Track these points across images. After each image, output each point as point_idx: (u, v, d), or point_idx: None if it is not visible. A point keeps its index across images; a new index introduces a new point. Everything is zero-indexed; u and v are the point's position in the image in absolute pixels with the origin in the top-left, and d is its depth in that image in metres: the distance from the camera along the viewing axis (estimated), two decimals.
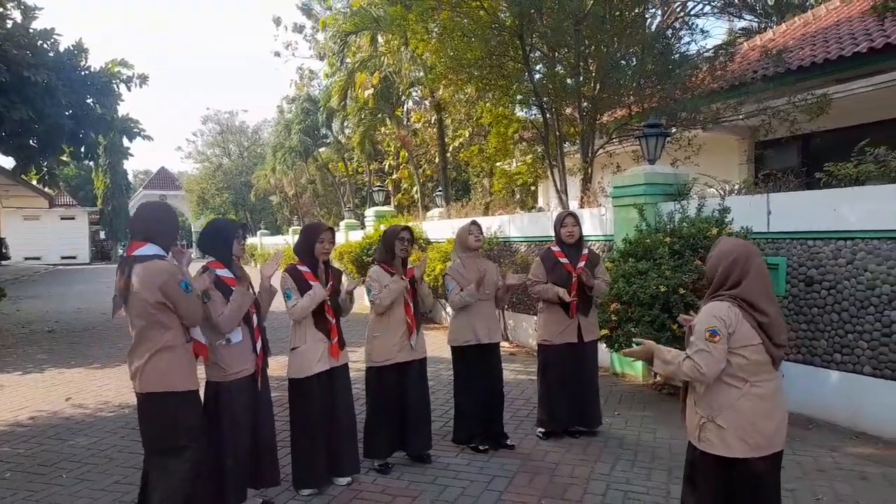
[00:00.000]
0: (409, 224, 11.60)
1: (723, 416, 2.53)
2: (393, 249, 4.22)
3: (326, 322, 3.87)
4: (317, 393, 3.82)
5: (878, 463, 4.25)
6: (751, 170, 9.82)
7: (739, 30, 19.29)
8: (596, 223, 7.39)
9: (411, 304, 4.24)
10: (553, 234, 5.00)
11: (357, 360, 5.00)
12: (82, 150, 12.08)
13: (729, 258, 2.57)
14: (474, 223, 4.63)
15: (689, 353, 2.57)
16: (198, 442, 3.10)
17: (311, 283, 3.83)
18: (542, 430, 4.88)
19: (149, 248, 3.01)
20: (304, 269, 3.86)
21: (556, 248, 4.86)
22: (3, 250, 29.83)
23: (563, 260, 4.76)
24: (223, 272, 3.39)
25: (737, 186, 6.31)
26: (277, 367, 5.16)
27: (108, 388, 6.65)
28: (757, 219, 5.45)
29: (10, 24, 10.01)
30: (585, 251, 4.86)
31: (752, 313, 2.50)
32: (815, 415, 5.11)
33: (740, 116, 8.79)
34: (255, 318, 3.51)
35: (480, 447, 4.53)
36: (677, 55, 8.99)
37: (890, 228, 4.62)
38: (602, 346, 6.01)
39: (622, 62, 8.90)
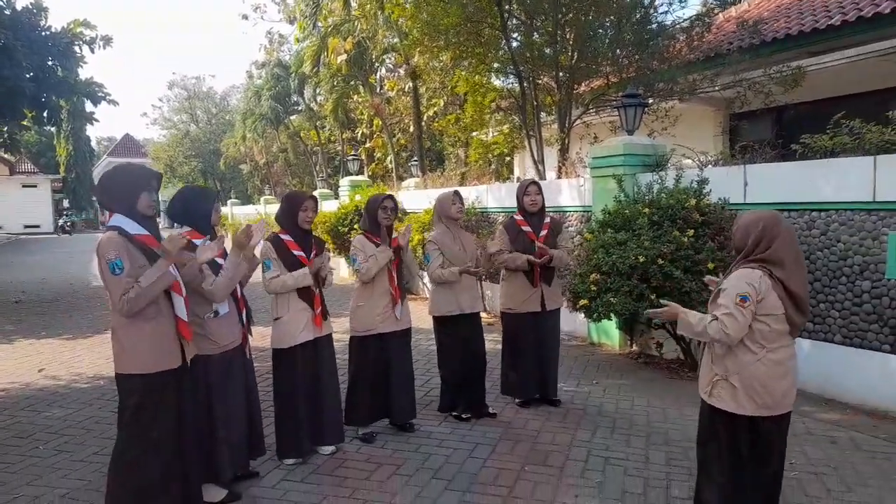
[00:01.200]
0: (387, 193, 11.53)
1: (737, 376, 2.66)
2: (377, 218, 4.17)
3: (310, 292, 3.83)
4: (300, 362, 3.80)
5: (845, 428, 4.41)
6: (725, 141, 9.92)
7: (714, 0, 19.30)
8: (574, 194, 7.41)
9: (395, 275, 4.22)
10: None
11: (339, 331, 4.97)
12: (45, 114, 11.68)
13: (758, 225, 2.66)
14: (456, 193, 4.60)
15: (717, 314, 2.66)
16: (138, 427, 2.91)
17: (295, 252, 3.78)
18: (512, 400, 4.94)
19: (113, 219, 2.90)
20: (286, 237, 3.81)
21: (518, 217, 4.87)
22: None
23: (526, 228, 4.77)
24: (204, 242, 3.31)
25: (713, 158, 6.37)
26: (258, 337, 5.11)
27: (80, 360, 6.53)
28: (734, 190, 5.52)
29: None
30: (548, 219, 4.87)
31: (781, 277, 2.59)
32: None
33: (716, 88, 8.85)
34: (238, 287, 3.45)
35: (463, 416, 4.57)
36: (655, 25, 8.98)
37: (863, 200, 4.72)
38: (580, 316, 6.10)
39: (600, 31, 8.85)
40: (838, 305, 4.92)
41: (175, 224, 3.46)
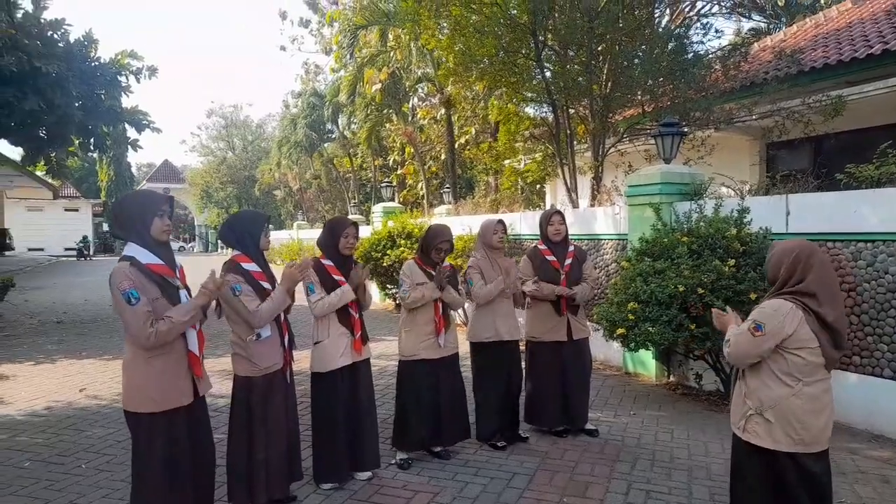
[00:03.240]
0: (417, 220, 11.60)
1: (772, 411, 2.58)
2: (430, 253, 4.24)
3: (350, 316, 3.86)
4: (339, 387, 3.82)
5: None
6: (763, 171, 9.81)
7: (748, 30, 19.28)
8: (609, 222, 7.38)
9: (439, 304, 4.24)
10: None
11: (379, 356, 4.99)
12: (91, 141, 12.08)
13: (791, 255, 2.60)
14: (500, 222, 4.59)
15: (731, 333, 2.69)
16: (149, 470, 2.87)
17: (335, 277, 3.82)
18: (530, 426, 4.87)
19: (126, 248, 2.84)
20: (327, 262, 3.86)
21: (542, 247, 4.86)
22: (7, 241, 29.85)
23: (550, 258, 4.77)
24: (251, 266, 3.37)
25: (752, 187, 6.30)
26: (299, 360, 5.15)
27: (120, 380, 6.62)
28: (776, 220, 5.44)
29: (20, 13, 9.98)
30: (572, 248, 4.86)
31: (817, 310, 2.52)
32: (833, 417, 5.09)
33: (753, 117, 8.77)
34: (281, 313, 3.50)
35: (499, 444, 4.52)
36: (690, 54, 8.98)
37: None
38: (615, 345, 6.03)
39: (635, 61, 8.89)
40: (886, 339, 4.78)
41: (224, 248, 3.52)
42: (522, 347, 4.76)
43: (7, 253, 28.86)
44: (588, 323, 5.06)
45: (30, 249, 34.49)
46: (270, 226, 3.65)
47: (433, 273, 4.21)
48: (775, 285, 2.66)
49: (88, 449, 4.59)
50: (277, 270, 3.42)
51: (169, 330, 2.73)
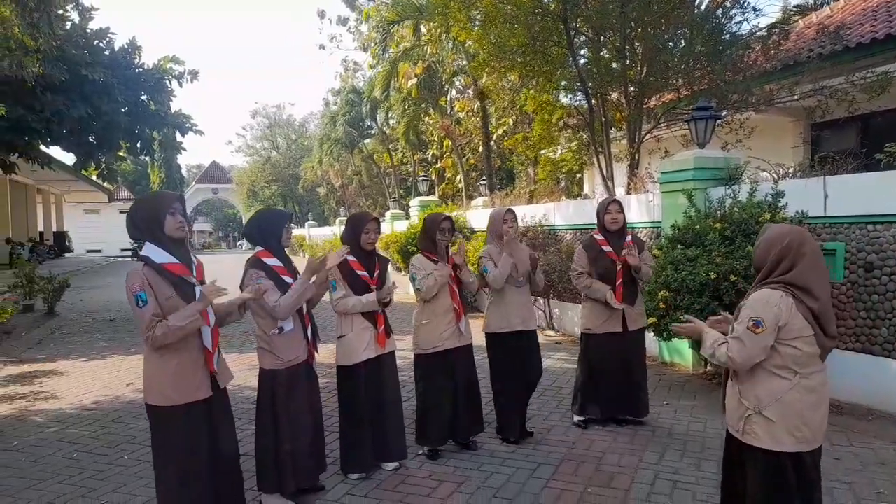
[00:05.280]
0: (454, 213, 11.64)
1: (771, 409, 2.46)
2: (434, 238, 4.24)
3: (372, 311, 3.93)
4: (364, 380, 3.89)
5: None
6: (806, 152, 9.47)
7: (794, 6, 18.55)
8: (643, 209, 7.26)
9: (456, 290, 4.26)
10: (596, 221, 4.93)
11: (403, 349, 5.05)
12: (138, 145, 12.54)
13: (782, 241, 2.46)
14: (509, 211, 4.54)
15: (728, 337, 2.53)
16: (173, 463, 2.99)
17: (359, 272, 3.89)
18: (581, 418, 4.85)
19: (144, 249, 2.91)
20: (350, 258, 3.92)
21: (598, 237, 4.79)
22: (67, 243, 31.21)
23: (607, 248, 4.69)
24: (273, 261, 3.46)
25: (791, 169, 6.10)
26: (325, 354, 5.26)
27: None
28: (813, 203, 5.26)
29: (68, 25, 10.41)
30: (629, 238, 4.77)
31: (805, 300, 2.41)
32: (875, 405, 4.92)
33: (795, 97, 8.49)
34: (304, 305, 3.58)
35: (510, 439, 4.48)
36: (728, 35, 8.71)
37: None
38: (650, 335, 5.94)
39: (670, 44, 8.68)
40: None
41: (249, 245, 3.63)
42: (558, 338, 4.71)
43: (66, 255, 30.16)
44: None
45: (88, 251, 36.02)
46: (292, 224, 3.74)
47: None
48: (762, 271, 2.53)
49: (132, 441, 4.80)
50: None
51: (164, 334, 2.78)
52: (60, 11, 10.22)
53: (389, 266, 4.25)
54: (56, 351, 8.46)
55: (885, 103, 7.71)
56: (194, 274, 2.99)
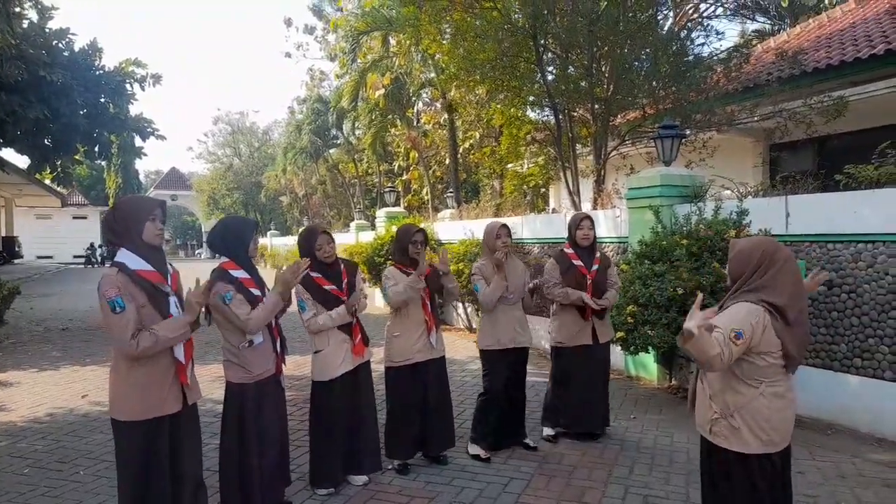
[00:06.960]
0: (421, 225, 11.62)
1: (738, 415, 2.52)
2: (406, 251, 4.21)
3: (348, 323, 3.87)
4: (340, 393, 3.83)
5: None
6: (765, 172, 9.76)
7: (752, 32, 19.21)
8: (610, 225, 7.36)
9: (428, 303, 4.23)
10: (566, 235, 4.96)
11: (376, 360, 4.99)
12: (96, 149, 12.17)
13: (758, 250, 2.55)
14: (503, 226, 4.52)
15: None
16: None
17: (326, 287, 3.82)
18: (551, 432, 4.86)
19: (118, 254, 2.80)
20: (314, 274, 3.82)
21: (569, 251, 4.83)
22: (16, 248, 30.06)
23: (578, 262, 4.74)
24: (240, 273, 3.33)
25: (753, 189, 6.26)
26: (292, 366, 5.15)
27: None
28: (775, 221, 5.40)
29: (26, 23, 10.07)
30: (598, 254, 4.84)
31: (781, 309, 2.46)
32: (835, 420, 5.06)
33: (755, 118, 8.75)
34: (273, 319, 3.49)
35: (482, 456, 4.43)
36: (691, 56, 8.95)
37: None
38: (616, 349, 5.99)
39: (636, 63, 8.87)
40: (888, 340, 4.73)
41: (215, 255, 3.51)
42: (542, 353, 4.72)
43: (16, 261, 29.05)
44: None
45: (38, 257, 34.72)
46: (258, 234, 3.64)
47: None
48: (738, 282, 2.59)
49: (87, 455, 4.61)
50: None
51: (153, 345, 2.71)
52: (18, 9, 9.92)
53: (358, 271, 4.16)
54: (5, 361, 8.10)
55: (841, 126, 8.01)
56: (169, 282, 2.88)
